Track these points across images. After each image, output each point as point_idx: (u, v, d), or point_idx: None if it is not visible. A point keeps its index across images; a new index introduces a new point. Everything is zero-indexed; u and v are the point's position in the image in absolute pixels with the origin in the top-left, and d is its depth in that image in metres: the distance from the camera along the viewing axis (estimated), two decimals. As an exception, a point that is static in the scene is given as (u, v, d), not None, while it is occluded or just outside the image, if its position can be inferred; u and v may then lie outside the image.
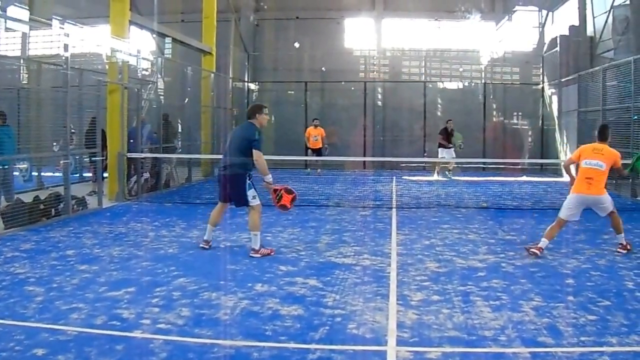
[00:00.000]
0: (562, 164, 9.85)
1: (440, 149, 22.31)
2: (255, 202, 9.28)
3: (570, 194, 9.72)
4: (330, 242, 10.45)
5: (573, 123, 21.73)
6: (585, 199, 9.51)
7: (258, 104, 10.43)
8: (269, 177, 9.35)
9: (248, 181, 9.23)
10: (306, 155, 23.94)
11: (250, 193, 9.23)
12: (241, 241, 10.25)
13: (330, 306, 6.72)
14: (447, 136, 22.05)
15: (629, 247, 9.59)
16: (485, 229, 11.82)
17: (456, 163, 22.54)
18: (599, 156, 9.54)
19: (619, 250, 9.54)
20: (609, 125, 10.70)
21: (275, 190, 9.57)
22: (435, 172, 22.73)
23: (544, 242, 9.43)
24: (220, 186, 9.70)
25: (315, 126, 23.86)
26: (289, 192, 9.67)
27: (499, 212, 13.99)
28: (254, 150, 9.18)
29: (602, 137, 9.82)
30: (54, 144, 13.99)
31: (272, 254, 9.32)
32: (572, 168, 10.28)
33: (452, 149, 22.12)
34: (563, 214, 9.57)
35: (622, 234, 9.64)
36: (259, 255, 9.17)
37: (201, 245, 9.76)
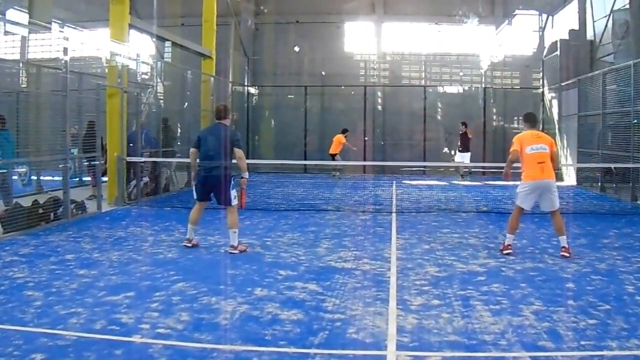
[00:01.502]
0: (508, 159, 9.69)
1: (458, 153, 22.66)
2: (235, 201, 9.74)
3: (522, 182, 9.72)
4: (330, 246, 10.42)
5: (573, 127, 21.74)
6: (539, 184, 9.52)
7: (226, 105, 10.96)
8: (247, 174, 9.90)
9: (233, 182, 9.71)
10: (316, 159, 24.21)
11: (233, 193, 9.69)
12: (241, 245, 10.19)
13: (330, 311, 6.68)
14: (464, 140, 22.37)
15: (571, 252, 9.47)
16: (486, 233, 11.78)
17: (456, 167, 22.66)
18: (541, 140, 9.72)
19: (562, 254, 9.40)
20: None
21: (243, 188, 10.02)
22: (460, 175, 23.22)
23: (510, 238, 9.67)
24: (202, 186, 10.00)
25: (346, 137, 24.14)
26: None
27: (500, 216, 13.90)
28: (236, 150, 9.65)
29: (534, 123, 10.20)
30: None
31: (247, 250, 9.80)
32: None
33: (468, 154, 22.48)
34: (520, 202, 9.71)
35: (565, 237, 9.54)
36: (237, 252, 9.58)
37: (184, 243, 10.07)
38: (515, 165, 9.86)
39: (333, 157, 24.09)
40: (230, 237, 9.69)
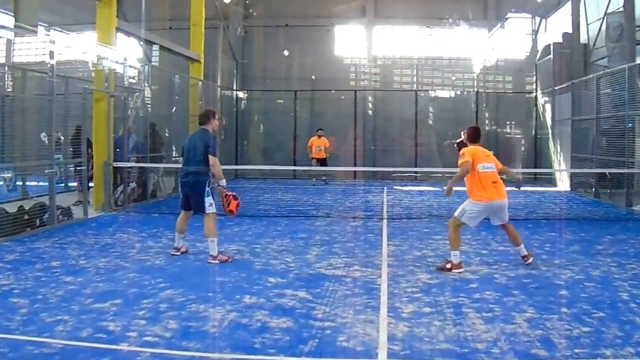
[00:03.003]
0: (461, 169, 9.15)
1: None
2: (211, 209, 9.53)
3: (475, 202, 9.08)
4: (320, 253, 10.36)
5: (567, 132, 21.72)
6: (497, 204, 9.11)
7: (211, 109, 10.78)
8: (224, 182, 9.69)
9: (207, 188, 9.51)
10: (311, 165, 23.89)
11: (208, 200, 9.51)
12: (229, 252, 10.11)
13: (320, 318, 6.63)
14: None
15: (531, 257, 9.32)
16: (478, 239, 11.72)
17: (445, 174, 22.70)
18: (489, 158, 9.32)
19: (525, 261, 9.24)
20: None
21: (226, 196, 9.82)
22: None
23: (458, 255, 9.05)
24: (182, 194, 10.02)
25: (319, 136, 23.91)
26: (235, 198, 9.98)
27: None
28: (210, 157, 9.46)
29: (478, 139, 9.60)
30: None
31: (230, 260, 9.50)
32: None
33: None
34: (467, 220, 9.17)
35: (522, 245, 9.38)
36: (216, 262, 9.34)
37: (171, 252, 9.97)
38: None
39: (322, 162, 23.93)
40: (210, 247, 9.52)
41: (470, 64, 28.77)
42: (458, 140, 10.18)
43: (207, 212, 9.48)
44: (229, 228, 11.26)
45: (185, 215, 9.95)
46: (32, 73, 15.28)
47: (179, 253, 9.90)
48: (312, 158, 24.07)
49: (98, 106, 15.24)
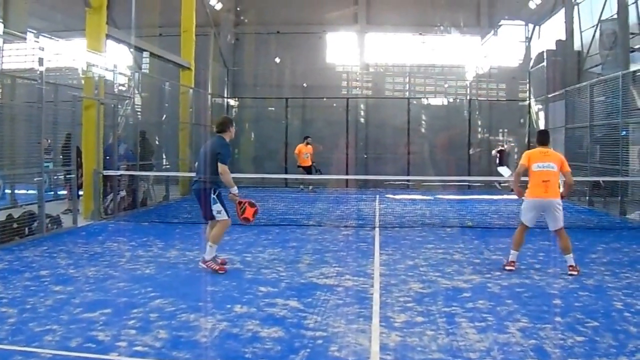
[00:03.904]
0: (515, 173, 10.08)
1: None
2: (220, 216, 9.27)
3: (526, 199, 9.77)
4: (312, 262, 10.30)
5: (560, 139, 21.67)
6: (542, 203, 9.55)
7: (227, 116, 10.71)
8: (235, 189, 9.36)
9: (213, 195, 9.23)
10: (297, 173, 23.84)
11: (215, 207, 9.23)
12: (224, 266, 10.00)
13: (312, 328, 6.58)
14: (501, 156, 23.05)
15: (578, 269, 9.34)
16: (471, 248, 11.69)
17: (440, 181, 22.79)
18: (548, 158, 9.64)
19: (570, 272, 9.24)
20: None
21: (240, 203, 9.57)
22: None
23: (513, 255, 9.66)
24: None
25: (307, 144, 23.87)
26: (252, 205, 9.69)
27: (485, 231, 13.89)
28: (219, 164, 9.20)
29: (545, 141, 9.93)
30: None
31: (221, 272, 9.23)
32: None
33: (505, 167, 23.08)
34: (523, 218, 9.84)
35: (572, 255, 9.42)
36: (204, 266, 9.20)
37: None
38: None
39: (307, 169, 23.86)
40: (206, 250, 9.28)
41: (463, 72, 28.80)
42: (499, 149, 10.53)
43: (216, 219, 9.29)
44: (227, 234, 11.21)
45: (211, 222, 9.64)
46: (21, 80, 15.17)
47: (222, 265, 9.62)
48: (299, 166, 23.99)
49: (88, 114, 15.17)
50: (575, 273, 9.17)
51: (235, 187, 9.34)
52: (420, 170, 25.77)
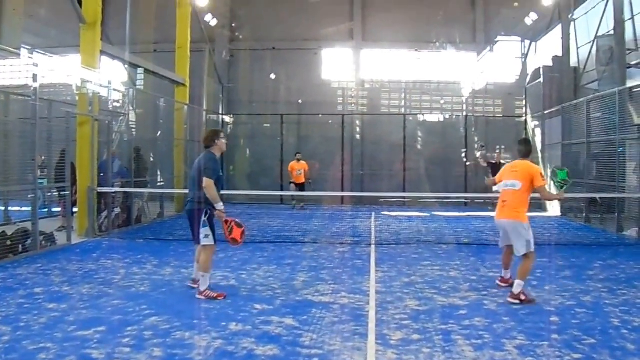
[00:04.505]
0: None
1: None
2: (207, 241, 8.87)
3: None
4: (307, 279, 10.26)
5: (557, 156, 21.69)
6: (500, 223, 9.18)
7: (215, 129, 10.13)
8: (220, 205, 8.84)
9: (204, 218, 8.84)
10: (290, 190, 23.80)
11: (204, 231, 8.84)
12: (215, 278, 9.98)
13: (307, 346, 6.56)
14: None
15: (522, 298, 8.48)
16: (467, 265, 11.66)
17: (436, 198, 22.73)
18: (514, 175, 9.06)
19: (509, 299, 8.52)
20: (529, 139, 10.33)
21: (226, 222, 9.09)
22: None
23: (504, 272, 9.62)
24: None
25: (298, 160, 23.88)
26: (238, 225, 9.22)
27: (481, 248, 13.85)
28: (203, 178, 8.76)
29: (523, 152, 9.35)
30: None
31: (221, 298, 8.85)
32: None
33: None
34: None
35: (522, 282, 8.58)
36: (202, 297, 8.82)
37: (188, 284, 9.53)
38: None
39: (300, 186, 23.84)
40: (200, 281, 8.96)
41: (459, 88, 28.82)
42: (493, 162, 10.03)
43: (202, 243, 8.90)
44: (214, 254, 11.12)
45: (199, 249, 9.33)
46: (15, 96, 15.14)
47: (195, 286, 9.26)
48: (292, 183, 23.97)
49: (82, 130, 15.15)
50: (513, 301, 8.45)
51: (221, 204, 8.88)
52: (416, 187, 25.71)
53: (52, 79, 17.17)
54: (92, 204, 15.02)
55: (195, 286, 9.21)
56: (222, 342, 6.64)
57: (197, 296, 8.92)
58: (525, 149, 9.35)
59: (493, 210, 10.05)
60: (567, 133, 20.83)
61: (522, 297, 8.45)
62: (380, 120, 28.39)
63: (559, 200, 9.89)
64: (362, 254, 12.99)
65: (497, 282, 9.67)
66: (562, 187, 9.59)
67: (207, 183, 8.73)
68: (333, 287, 9.59)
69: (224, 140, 9.34)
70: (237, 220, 9.25)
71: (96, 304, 8.31)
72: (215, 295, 8.91)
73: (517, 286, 8.56)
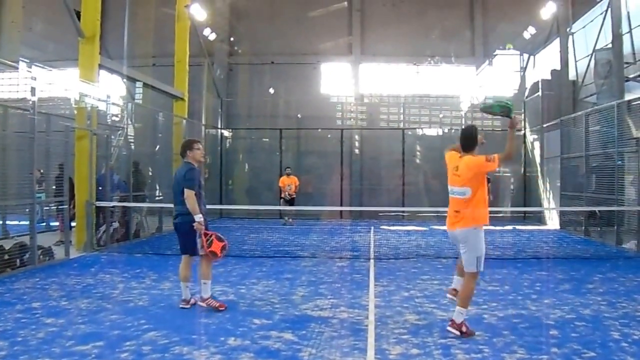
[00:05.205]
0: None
1: None
2: (202, 251, 8.86)
3: None
4: (306, 294, 10.22)
5: (556, 169, 21.73)
6: (451, 234, 7.73)
7: (188, 139, 10.04)
8: (199, 217, 8.71)
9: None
10: (280, 205, 23.72)
11: (200, 242, 8.82)
12: (214, 293, 9.89)
13: (306, 361, 6.49)
14: None
15: (464, 330, 7.38)
16: (466, 279, 11.54)
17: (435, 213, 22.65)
18: (456, 180, 7.67)
19: (449, 328, 7.45)
20: (473, 127, 8.29)
21: (205, 234, 8.90)
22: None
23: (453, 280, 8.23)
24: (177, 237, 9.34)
25: (288, 175, 23.79)
26: (219, 239, 8.99)
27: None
28: (184, 190, 8.74)
29: (464, 147, 7.88)
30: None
31: (222, 309, 8.87)
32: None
33: None
34: None
35: (464, 309, 7.45)
36: (204, 305, 8.86)
37: (181, 305, 9.25)
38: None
39: (290, 201, 23.78)
40: (202, 289, 9.00)
41: (457, 102, 28.86)
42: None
43: (200, 253, 8.90)
44: (214, 268, 11.07)
45: (186, 260, 9.31)
46: (13, 110, 15.14)
47: (188, 305, 9.16)
48: (282, 198, 23.90)
49: (80, 144, 15.15)
50: (453, 331, 7.39)
51: (200, 215, 8.74)
52: (415, 201, 25.68)
53: (50, 93, 17.14)
54: (91, 218, 15.00)
55: (188, 306, 9.13)
56: (220, 357, 6.60)
57: (200, 303, 8.93)
58: (467, 143, 7.87)
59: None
60: (566, 146, 20.86)
61: (464, 329, 7.39)
62: (379, 135, 28.39)
63: (517, 127, 7.45)
64: (361, 269, 12.94)
65: (448, 295, 8.46)
66: (510, 113, 7.79)
67: (188, 194, 8.71)
68: (332, 302, 9.56)
69: (198, 150, 9.27)
70: (218, 234, 9.07)
71: (94, 319, 8.26)
72: (218, 305, 8.92)
73: (459, 314, 7.44)
